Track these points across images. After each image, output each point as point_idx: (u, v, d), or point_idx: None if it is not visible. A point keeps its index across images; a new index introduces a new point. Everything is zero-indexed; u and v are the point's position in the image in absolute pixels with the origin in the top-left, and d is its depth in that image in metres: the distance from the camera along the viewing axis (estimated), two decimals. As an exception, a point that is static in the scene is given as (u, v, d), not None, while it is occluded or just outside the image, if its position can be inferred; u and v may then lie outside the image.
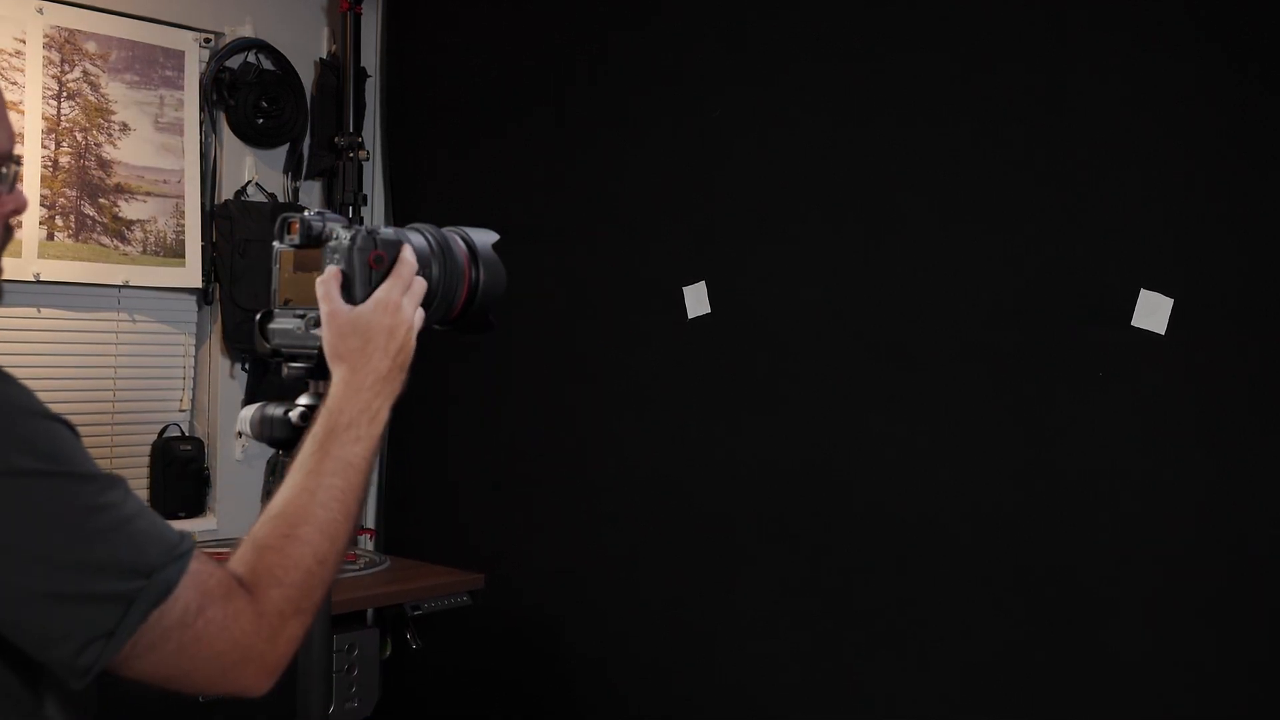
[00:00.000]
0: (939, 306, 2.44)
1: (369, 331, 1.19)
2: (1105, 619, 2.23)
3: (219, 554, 1.12)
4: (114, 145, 3.04)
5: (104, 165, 3.02)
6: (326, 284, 1.21)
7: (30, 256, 2.87)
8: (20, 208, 1.07)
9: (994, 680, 2.36)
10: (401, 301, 1.22)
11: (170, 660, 0.97)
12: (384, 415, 1.18)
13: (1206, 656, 2.13)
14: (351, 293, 1.22)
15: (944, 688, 2.42)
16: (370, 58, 3.54)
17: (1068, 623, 2.28)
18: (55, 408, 0.99)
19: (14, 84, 2.84)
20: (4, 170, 1.04)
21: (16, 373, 0.99)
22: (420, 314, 1.25)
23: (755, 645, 2.70)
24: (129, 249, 3.06)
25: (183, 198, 3.16)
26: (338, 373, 1.19)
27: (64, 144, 2.95)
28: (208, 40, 3.23)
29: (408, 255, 1.26)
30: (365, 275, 1.23)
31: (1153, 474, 2.19)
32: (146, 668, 0.98)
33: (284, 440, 1.28)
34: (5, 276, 1.13)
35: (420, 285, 1.26)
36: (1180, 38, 2.18)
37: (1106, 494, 2.23)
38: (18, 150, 1.07)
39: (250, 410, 1.31)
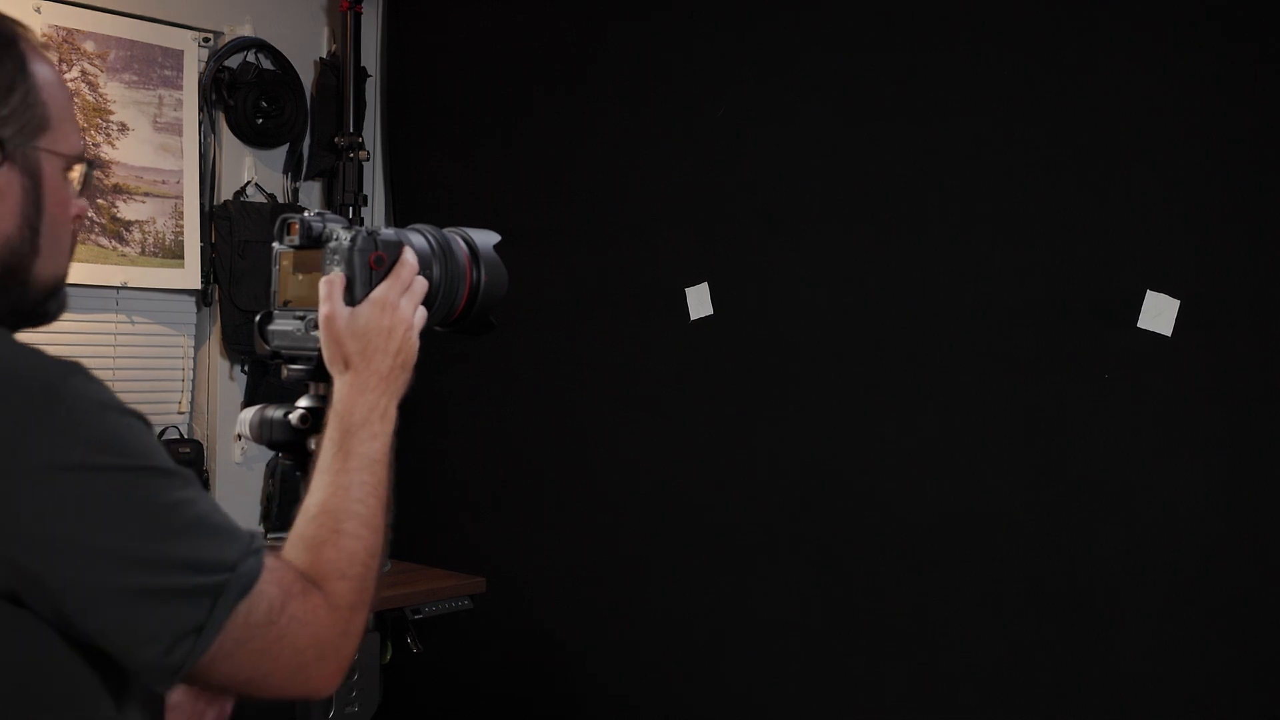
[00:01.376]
0: (945, 309, 2.43)
1: (367, 333, 1.18)
2: (1116, 624, 2.22)
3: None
4: (112, 145, 3.02)
5: (102, 166, 3.00)
6: (331, 285, 1.20)
7: (28, 257, 2.85)
8: (85, 212, 1.09)
9: (1005, 687, 2.34)
10: (399, 301, 1.21)
11: (253, 660, 0.96)
12: (393, 413, 1.18)
13: (1218, 662, 2.12)
14: (352, 294, 1.21)
15: (955, 695, 2.41)
16: (371, 57, 3.52)
17: (1078, 628, 2.26)
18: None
19: (11, 84, 2.81)
20: (74, 172, 1.05)
21: None
22: (422, 313, 1.24)
23: (761, 651, 2.68)
24: (127, 250, 3.05)
25: (181, 198, 3.15)
26: (340, 376, 1.18)
27: (62, 144, 2.92)
28: (207, 40, 3.21)
29: (409, 256, 1.24)
30: (365, 276, 1.22)
31: (1161, 477, 2.18)
32: (229, 670, 0.95)
33: (284, 443, 1.27)
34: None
35: (421, 285, 1.25)
36: (1190, 39, 2.16)
37: (1116, 498, 2.22)
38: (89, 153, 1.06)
39: (250, 412, 1.29)
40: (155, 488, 0.94)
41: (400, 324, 1.20)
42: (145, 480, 0.93)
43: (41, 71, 1.04)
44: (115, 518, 0.91)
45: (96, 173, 2.98)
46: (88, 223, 2.97)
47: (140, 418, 0.97)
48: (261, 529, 1.07)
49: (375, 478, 1.12)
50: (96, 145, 2.99)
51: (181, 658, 0.92)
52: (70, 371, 0.94)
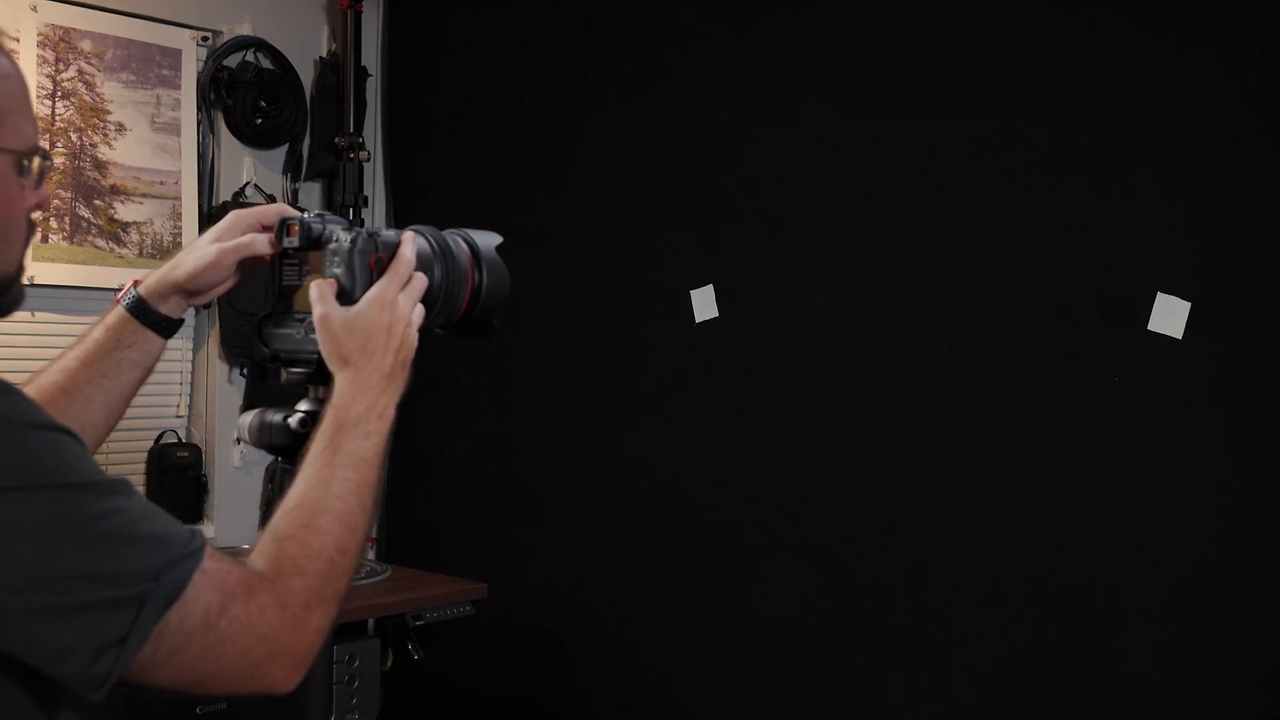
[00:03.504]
0: (952, 310, 2.41)
1: (367, 330, 1.17)
2: (1118, 625, 2.21)
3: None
4: (110, 146, 3.00)
5: (99, 166, 2.98)
6: (321, 289, 1.19)
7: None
8: (43, 203, 1.07)
9: (1006, 688, 2.33)
10: (397, 298, 1.20)
11: (195, 664, 0.97)
12: (391, 413, 1.17)
13: (1219, 663, 2.11)
14: (350, 296, 1.20)
15: (957, 697, 2.39)
16: (371, 56, 3.50)
17: (1083, 631, 2.25)
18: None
19: (7, 83, 2.79)
20: (27, 164, 1.03)
21: (10, 378, 0.98)
22: (420, 310, 1.23)
23: (764, 655, 2.66)
24: (125, 251, 3.02)
25: (180, 199, 3.13)
26: (340, 374, 1.17)
27: (59, 144, 2.90)
28: (205, 39, 3.19)
29: (406, 252, 1.24)
30: (365, 278, 1.22)
31: (1169, 480, 2.17)
32: (171, 673, 0.97)
33: (283, 446, 1.27)
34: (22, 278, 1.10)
35: (420, 281, 1.24)
36: (1197, 37, 2.15)
37: (1122, 501, 2.21)
38: (44, 143, 1.06)
39: (249, 416, 1.29)
40: (78, 503, 0.94)
41: (400, 321, 1.19)
42: (69, 496, 0.93)
43: None
44: (36, 536, 0.91)
45: (95, 174, 2.98)
46: (85, 224, 2.95)
47: (67, 432, 0.97)
48: (205, 530, 1.05)
49: (360, 476, 1.11)
50: (94, 145, 2.97)
51: (107, 669, 0.92)
52: None
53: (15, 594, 0.90)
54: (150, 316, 1.32)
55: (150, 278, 1.33)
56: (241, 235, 1.30)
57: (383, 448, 1.15)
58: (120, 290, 1.34)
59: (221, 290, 1.33)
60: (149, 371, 1.35)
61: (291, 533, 1.05)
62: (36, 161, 1.05)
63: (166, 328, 1.33)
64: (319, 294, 1.18)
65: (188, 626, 0.95)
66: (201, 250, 1.30)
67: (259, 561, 1.04)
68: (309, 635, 1.02)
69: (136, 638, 0.93)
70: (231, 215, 1.31)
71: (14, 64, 1.04)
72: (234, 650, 0.98)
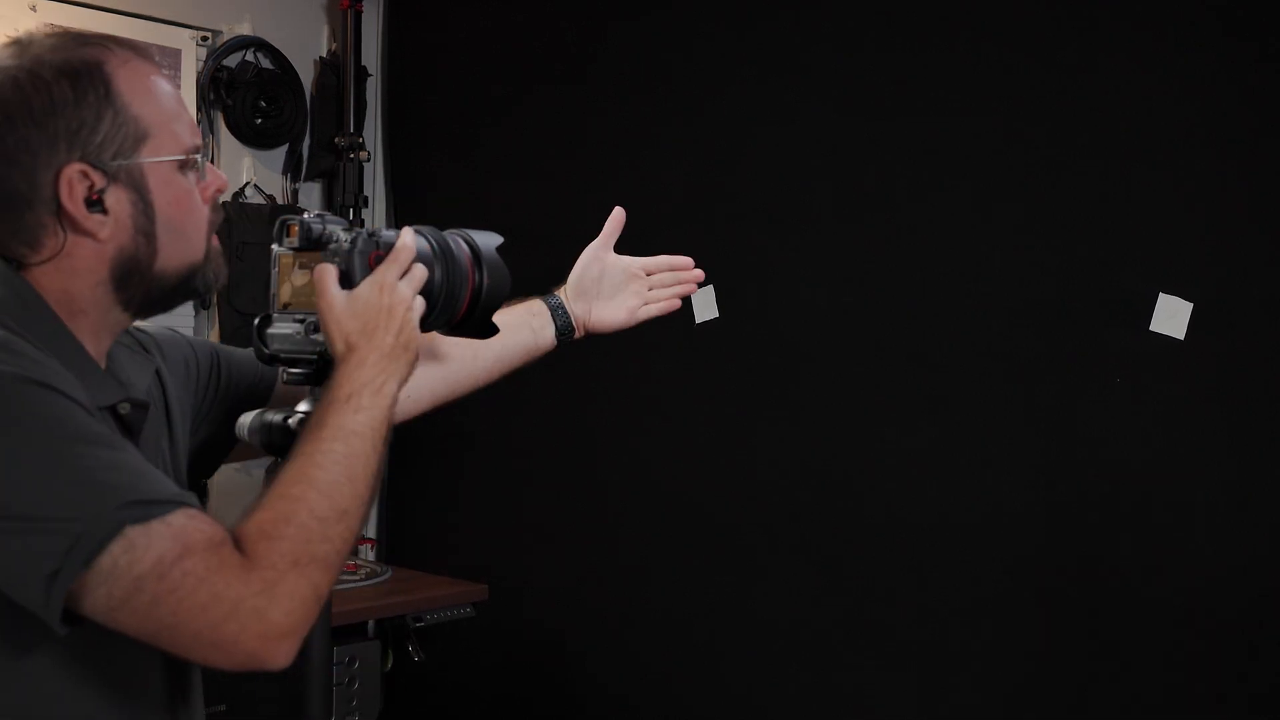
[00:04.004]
0: (953, 310, 2.41)
1: (367, 312, 1.18)
2: (1128, 631, 2.20)
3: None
4: (109, 146, 2.99)
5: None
6: (324, 273, 1.19)
7: (23, 260, 2.81)
8: (221, 186, 1.25)
9: (1009, 693, 2.32)
10: (397, 283, 1.21)
11: (150, 612, 0.97)
12: (390, 389, 1.16)
13: (1233, 670, 2.10)
14: (350, 283, 1.21)
15: (958, 700, 2.39)
16: (371, 56, 3.49)
17: (1086, 634, 2.25)
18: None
19: (6, 83, 2.78)
20: (196, 159, 1.18)
21: None
22: (420, 302, 1.23)
23: (767, 658, 2.66)
24: (124, 252, 3.01)
25: (179, 200, 3.11)
26: (341, 359, 1.17)
27: (58, 144, 2.89)
28: (204, 38, 3.18)
29: (407, 239, 1.24)
30: (366, 276, 1.22)
31: (1171, 481, 2.16)
32: (130, 619, 0.98)
33: (283, 447, 1.25)
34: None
35: (420, 271, 1.24)
36: (1200, 36, 2.14)
37: (1127, 504, 2.21)
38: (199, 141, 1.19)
39: (249, 417, 1.28)
40: (51, 436, 0.99)
41: (400, 303, 1.20)
42: (44, 432, 1.00)
43: (129, 87, 1.13)
44: (7, 460, 0.98)
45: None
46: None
47: (50, 388, 1.02)
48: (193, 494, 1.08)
49: (349, 448, 1.10)
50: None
51: (48, 595, 0.96)
52: None
53: None
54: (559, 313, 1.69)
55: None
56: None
57: (379, 422, 1.14)
58: None
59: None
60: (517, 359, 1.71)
61: (264, 502, 1.06)
62: (198, 159, 1.18)
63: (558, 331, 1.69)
64: (320, 278, 1.19)
65: (138, 571, 0.96)
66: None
67: (235, 530, 1.04)
68: (282, 600, 0.99)
69: (69, 570, 0.95)
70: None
71: (154, 76, 1.17)
72: (189, 603, 0.97)
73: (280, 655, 1.00)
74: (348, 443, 1.10)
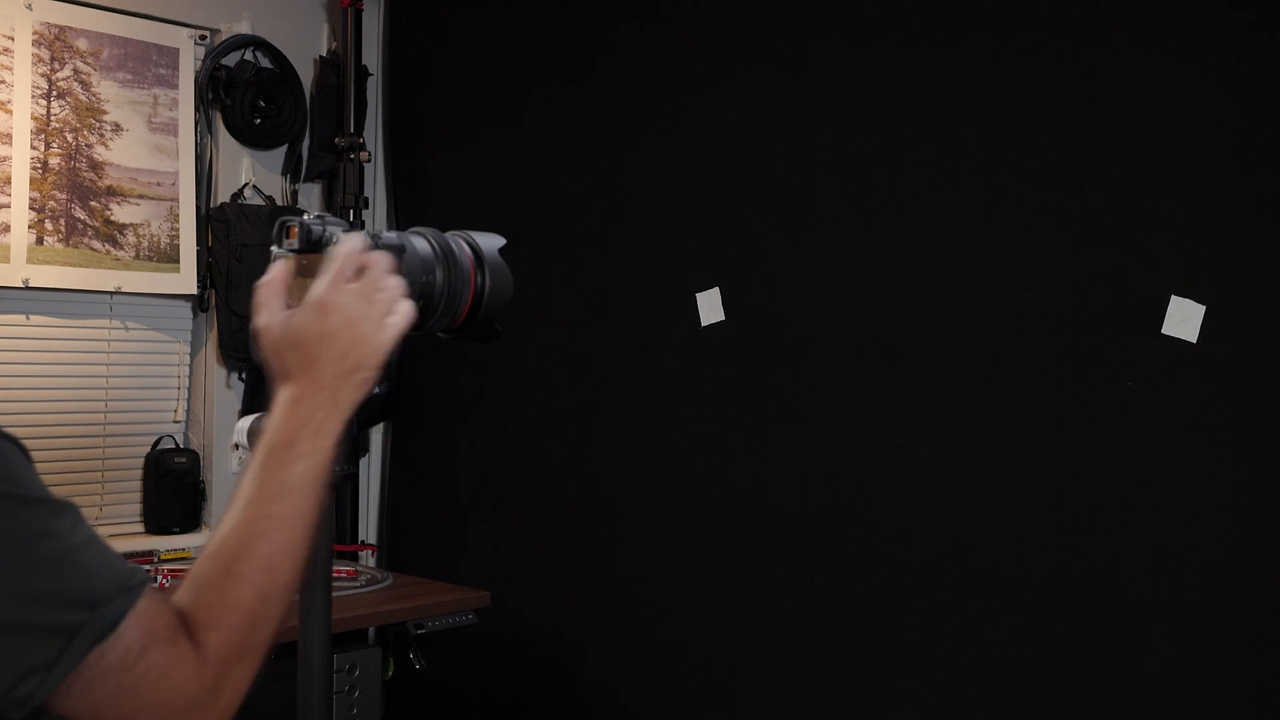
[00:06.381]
0: (964, 314, 2.38)
1: (300, 340, 1.06)
2: (1141, 640, 2.17)
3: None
4: (106, 146, 2.96)
5: (95, 167, 2.94)
6: (263, 290, 1.09)
7: (19, 262, 2.79)
8: None
9: (1026, 704, 2.29)
10: (341, 300, 1.07)
11: (108, 702, 0.93)
12: (331, 427, 1.05)
13: (1246, 679, 2.07)
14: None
15: (973, 711, 2.35)
16: (372, 55, 3.47)
17: (1103, 642, 2.21)
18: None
19: (2, 82, 2.76)
20: None
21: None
22: (407, 305, 1.12)
23: (774, 669, 2.62)
24: (121, 254, 2.98)
25: (177, 201, 3.09)
26: (280, 390, 1.07)
27: (54, 145, 2.86)
28: (203, 37, 3.16)
29: (346, 244, 1.11)
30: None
31: (1186, 486, 2.13)
32: (84, 706, 0.93)
33: None
34: None
35: (378, 272, 1.11)
36: (1215, 39, 2.11)
37: (1139, 510, 2.18)
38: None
39: (247, 421, 1.27)
40: (24, 517, 0.92)
41: (343, 325, 1.06)
42: (14, 509, 0.91)
43: None
44: None
45: (91, 175, 2.95)
46: (81, 226, 2.91)
47: (15, 443, 0.95)
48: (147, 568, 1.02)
49: (291, 508, 1.01)
50: (90, 146, 2.93)
51: (29, 692, 0.90)
52: None
53: None
54: None
55: None
56: None
57: (319, 470, 1.04)
58: None
59: None
60: None
61: (210, 579, 0.99)
62: None
63: None
64: (259, 296, 1.08)
65: (106, 662, 0.92)
66: None
67: (182, 606, 0.98)
68: (227, 694, 0.97)
69: (63, 667, 0.90)
70: None
71: None
72: (149, 698, 0.94)
73: None
74: (289, 501, 1.01)
